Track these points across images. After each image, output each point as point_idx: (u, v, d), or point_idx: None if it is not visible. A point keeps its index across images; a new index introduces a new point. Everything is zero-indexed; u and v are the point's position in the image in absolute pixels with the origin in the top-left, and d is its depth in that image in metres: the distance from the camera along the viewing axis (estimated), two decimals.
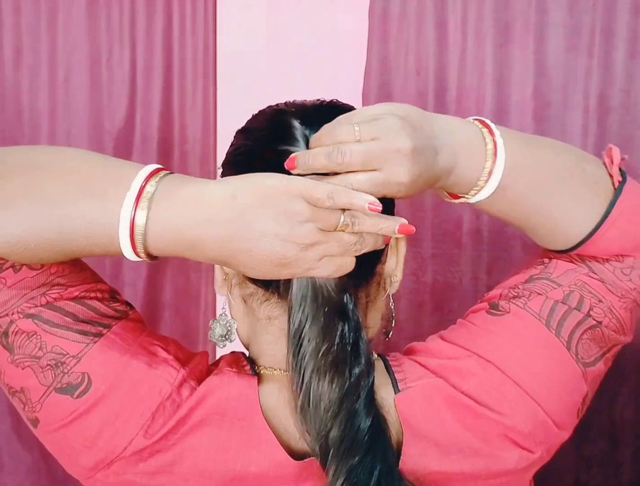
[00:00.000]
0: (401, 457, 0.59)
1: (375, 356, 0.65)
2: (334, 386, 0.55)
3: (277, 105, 0.65)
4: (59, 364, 0.57)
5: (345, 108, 0.64)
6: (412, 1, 1.29)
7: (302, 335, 0.56)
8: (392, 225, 0.56)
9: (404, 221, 0.56)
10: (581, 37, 1.26)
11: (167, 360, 0.60)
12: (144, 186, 0.53)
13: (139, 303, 1.42)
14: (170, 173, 0.56)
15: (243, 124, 0.67)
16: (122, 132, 1.39)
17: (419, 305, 1.35)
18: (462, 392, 0.60)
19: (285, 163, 0.56)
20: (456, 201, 0.64)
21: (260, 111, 0.65)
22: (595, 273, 0.64)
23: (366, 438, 0.55)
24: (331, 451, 0.55)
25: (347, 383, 0.55)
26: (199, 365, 0.62)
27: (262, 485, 0.58)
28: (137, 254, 0.54)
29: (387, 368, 0.64)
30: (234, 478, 0.58)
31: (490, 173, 0.59)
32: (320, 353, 0.55)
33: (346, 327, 0.57)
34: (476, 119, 0.62)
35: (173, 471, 0.58)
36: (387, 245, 0.63)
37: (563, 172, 0.63)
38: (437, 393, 0.60)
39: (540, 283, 0.65)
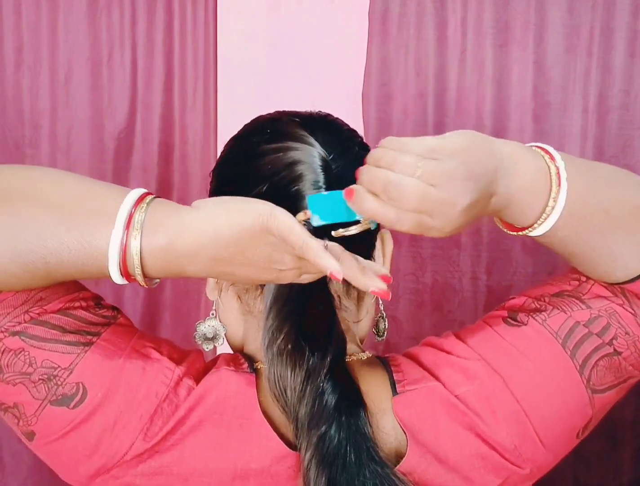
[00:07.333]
0: (404, 460, 0.59)
1: (369, 354, 0.66)
2: (296, 372, 0.57)
3: (275, 116, 0.65)
4: (52, 377, 0.57)
5: (338, 123, 0.66)
6: (412, 1, 1.29)
7: (271, 322, 0.59)
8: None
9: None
10: (580, 37, 1.26)
11: (160, 361, 0.60)
12: (131, 216, 0.53)
13: (139, 304, 1.42)
14: (154, 199, 0.55)
15: (243, 125, 0.67)
16: (123, 133, 1.39)
17: (418, 305, 1.35)
18: (456, 397, 0.60)
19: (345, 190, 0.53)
20: (505, 229, 0.62)
21: (257, 121, 0.65)
22: (629, 306, 0.62)
23: (332, 410, 0.56)
24: (300, 428, 0.56)
25: (310, 366, 0.57)
26: (195, 364, 0.62)
27: (264, 481, 0.58)
28: (128, 280, 0.54)
29: (386, 366, 0.64)
30: (235, 476, 0.58)
31: (547, 217, 0.57)
32: (279, 345, 0.58)
33: (318, 310, 0.59)
34: (540, 148, 0.58)
35: (172, 471, 0.58)
36: (374, 244, 0.63)
37: (624, 212, 0.59)
38: (435, 399, 0.61)
39: (569, 300, 0.63)
